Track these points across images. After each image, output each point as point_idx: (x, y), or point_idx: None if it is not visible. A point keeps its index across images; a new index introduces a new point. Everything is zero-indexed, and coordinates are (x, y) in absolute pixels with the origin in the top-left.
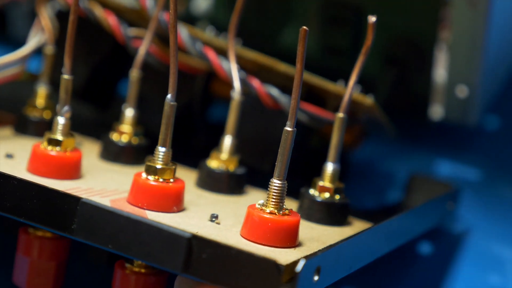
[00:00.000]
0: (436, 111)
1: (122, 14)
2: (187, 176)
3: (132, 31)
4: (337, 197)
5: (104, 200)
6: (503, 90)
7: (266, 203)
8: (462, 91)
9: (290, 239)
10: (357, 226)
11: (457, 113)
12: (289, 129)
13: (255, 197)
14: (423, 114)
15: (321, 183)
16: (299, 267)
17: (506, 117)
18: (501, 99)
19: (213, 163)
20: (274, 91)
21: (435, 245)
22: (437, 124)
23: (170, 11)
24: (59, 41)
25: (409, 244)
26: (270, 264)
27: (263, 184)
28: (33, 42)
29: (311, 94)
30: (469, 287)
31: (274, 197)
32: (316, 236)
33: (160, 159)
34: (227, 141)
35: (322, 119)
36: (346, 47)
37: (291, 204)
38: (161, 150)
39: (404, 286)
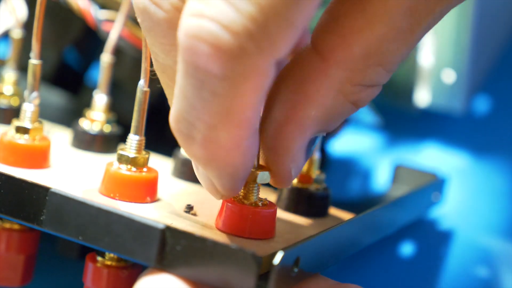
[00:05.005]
0: (422, 97)
1: None
2: (162, 165)
3: (103, 14)
4: (317, 187)
5: (74, 190)
6: (493, 72)
7: (242, 193)
8: (449, 76)
9: (268, 231)
10: (339, 217)
11: (444, 99)
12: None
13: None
14: (409, 101)
15: None
16: (277, 259)
17: (495, 101)
18: (490, 82)
19: None
20: None
21: (420, 237)
22: (423, 111)
23: None
24: (27, 25)
25: (393, 236)
26: (247, 256)
27: None
28: None
29: None
30: (456, 280)
31: (251, 187)
32: (295, 228)
33: (132, 148)
34: None
35: None
36: None
37: (270, 195)
38: (133, 138)
39: (390, 279)
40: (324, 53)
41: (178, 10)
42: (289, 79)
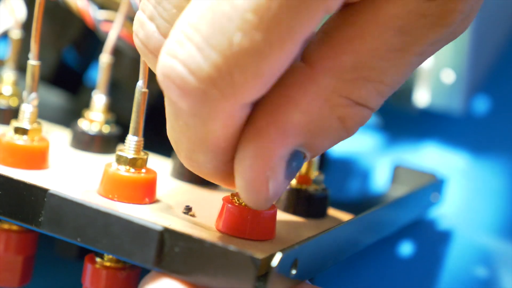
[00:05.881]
0: (422, 97)
1: None
2: (160, 166)
3: (102, 14)
4: (316, 187)
5: (72, 191)
6: (492, 72)
7: None
8: (448, 76)
9: (268, 232)
10: (338, 218)
11: (443, 99)
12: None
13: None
14: (408, 101)
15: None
16: (276, 261)
17: (495, 102)
18: (490, 82)
19: None
20: None
21: (420, 237)
22: (422, 111)
23: None
24: (26, 25)
25: (392, 237)
26: (245, 258)
27: None
28: None
29: None
30: (455, 280)
31: None
32: (294, 229)
33: (131, 149)
34: None
35: None
36: None
37: None
38: (132, 139)
39: (389, 280)
40: (312, 61)
41: None
42: (273, 87)
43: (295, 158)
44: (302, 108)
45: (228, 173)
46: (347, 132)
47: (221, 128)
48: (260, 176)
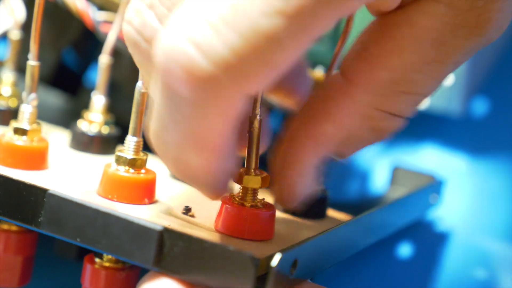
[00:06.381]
0: None
1: None
2: (160, 167)
3: (101, 15)
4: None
5: (72, 191)
6: (491, 74)
7: (240, 194)
8: (447, 78)
9: (266, 232)
10: (337, 219)
11: (442, 101)
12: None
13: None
14: None
15: None
16: (275, 261)
17: (493, 103)
18: (488, 84)
19: None
20: None
21: (418, 238)
22: (421, 113)
23: None
24: (26, 26)
25: (391, 238)
26: (245, 258)
27: None
28: None
29: None
30: (454, 282)
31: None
32: (293, 229)
33: (131, 149)
34: None
35: None
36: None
37: (268, 196)
38: (131, 139)
39: (388, 281)
40: (350, 76)
41: None
42: (311, 98)
43: (326, 165)
44: (337, 121)
45: (216, 180)
46: (378, 139)
47: (218, 120)
48: (291, 181)
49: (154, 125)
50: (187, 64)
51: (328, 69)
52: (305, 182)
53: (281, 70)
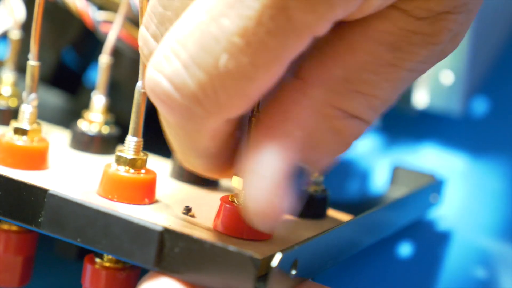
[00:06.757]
0: (420, 99)
1: None
2: (160, 167)
3: (101, 15)
4: (316, 188)
5: (72, 191)
6: (491, 73)
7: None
8: (447, 77)
9: (264, 232)
10: (337, 218)
11: (442, 100)
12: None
13: (230, 189)
14: (407, 102)
15: None
16: (275, 261)
17: (493, 103)
18: (488, 83)
19: None
20: None
21: (419, 238)
22: (421, 112)
23: None
24: (26, 26)
25: (391, 238)
26: (245, 258)
27: None
28: None
29: None
30: (454, 281)
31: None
32: (294, 229)
33: (131, 149)
34: None
35: None
36: None
37: None
38: (131, 139)
39: (388, 281)
40: (304, 75)
41: None
42: (269, 100)
43: (298, 174)
44: (295, 119)
45: (224, 169)
46: (344, 145)
47: (208, 140)
48: (264, 193)
49: (166, 132)
50: (164, 97)
51: None
52: (280, 193)
53: (257, 95)
